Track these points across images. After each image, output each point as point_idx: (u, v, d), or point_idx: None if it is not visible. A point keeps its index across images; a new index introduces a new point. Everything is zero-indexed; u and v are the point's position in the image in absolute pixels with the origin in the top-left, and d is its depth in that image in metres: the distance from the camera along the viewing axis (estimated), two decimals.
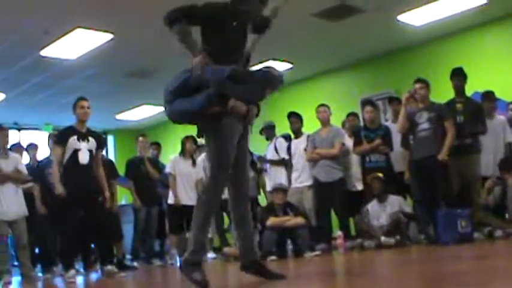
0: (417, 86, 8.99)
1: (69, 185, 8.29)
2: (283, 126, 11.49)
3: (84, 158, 8.38)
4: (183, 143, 11.08)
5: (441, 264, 5.11)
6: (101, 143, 8.97)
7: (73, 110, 8.57)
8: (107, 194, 8.97)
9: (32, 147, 11.50)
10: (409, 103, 9.11)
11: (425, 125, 8.85)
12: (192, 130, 12.82)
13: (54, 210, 9.59)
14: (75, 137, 8.38)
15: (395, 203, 9.37)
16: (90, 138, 8.56)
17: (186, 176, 10.84)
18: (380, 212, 9.39)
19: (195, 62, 4.80)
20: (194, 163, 11.04)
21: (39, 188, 10.17)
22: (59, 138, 8.63)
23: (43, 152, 11.28)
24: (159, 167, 11.70)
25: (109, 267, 8.49)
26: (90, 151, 8.50)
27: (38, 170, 10.44)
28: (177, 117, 4.96)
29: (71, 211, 8.28)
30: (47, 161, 10.33)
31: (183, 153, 11.03)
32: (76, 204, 8.27)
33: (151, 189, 11.28)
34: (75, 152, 8.34)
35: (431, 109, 8.89)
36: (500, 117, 9.76)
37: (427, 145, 8.76)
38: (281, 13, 5.38)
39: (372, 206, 9.47)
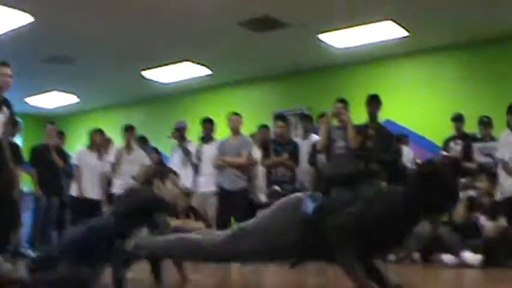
0: (338, 105, 9.14)
1: None
2: (194, 130, 11.53)
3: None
4: (91, 136, 10.97)
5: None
6: (12, 111, 7.50)
7: None
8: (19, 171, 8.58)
9: None
10: (331, 122, 9.23)
11: (341, 143, 9.02)
12: (101, 124, 12.78)
13: None
14: None
15: None
16: (5, 109, 7.26)
17: (91, 168, 10.73)
18: None
19: None
20: (100, 156, 10.95)
21: None
22: None
23: None
24: (64, 156, 11.55)
25: None
26: (4, 123, 7.21)
27: None
28: None
29: None
30: None
31: (90, 145, 10.92)
32: None
33: (54, 179, 11.09)
34: None
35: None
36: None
37: (341, 163, 8.91)
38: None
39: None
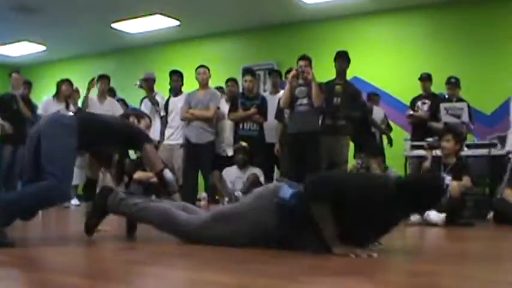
0: (301, 63, 9.10)
1: None
2: (162, 82, 11.48)
3: None
4: (58, 85, 10.85)
5: None
6: None
7: None
8: None
9: None
10: (295, 80, 9.19)
11: (305, 100, 9.01)
12: (68, 74, 12.63)
13: None
14: None
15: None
16: None
17: None
18: (236, 179, 9.53)
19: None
20: (68, 107, 10.86)
21: None
22: None
23: None
24: (31, 106, 11.43)
25: None
26: None
27: None
28: None
29: None
30: None
31: (57, 95, 10.81)
32: None
33: (20, 128, 10.95)
34: None
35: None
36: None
37: (304, 120, 8.92)
38: None
39: (230, 170, 9.60)
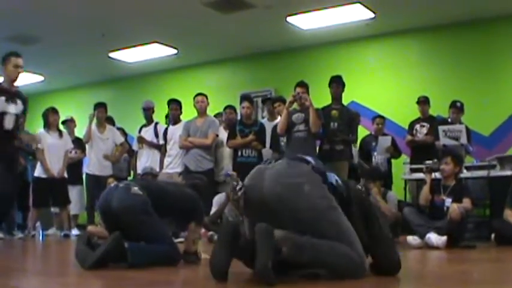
0: (298, 89, 9.10)
1: None
2: (161, 111, 11.52)
3: (9, 123, 7.51)
4: (45, 116, 10.89)
5: None
6: (27, 106, 7.99)
7: (2, 66, 7.70)
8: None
9: None
10: (291, 106, 9.18)
11: (302, 127, 9.02)
12: (66, 104, 12.62)
13: None
14: (3, 98, 7.52)
15: None
16: (18, 101, 7.72)
17: (53, 148, 10.60)
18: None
19: None
20: (61, 135, 10.85)
21: None
22: None
23: None
24: None
25: None
26: (16, 115, 7.62)
27: None
28: None
29: None
30: None
31: (47, 126, 10.84)
32: None
33: None
34: (1, 115, 7.46)
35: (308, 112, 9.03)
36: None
37: (302, 146, 8.86)
38: None
39: (221, 197, 9.49)
